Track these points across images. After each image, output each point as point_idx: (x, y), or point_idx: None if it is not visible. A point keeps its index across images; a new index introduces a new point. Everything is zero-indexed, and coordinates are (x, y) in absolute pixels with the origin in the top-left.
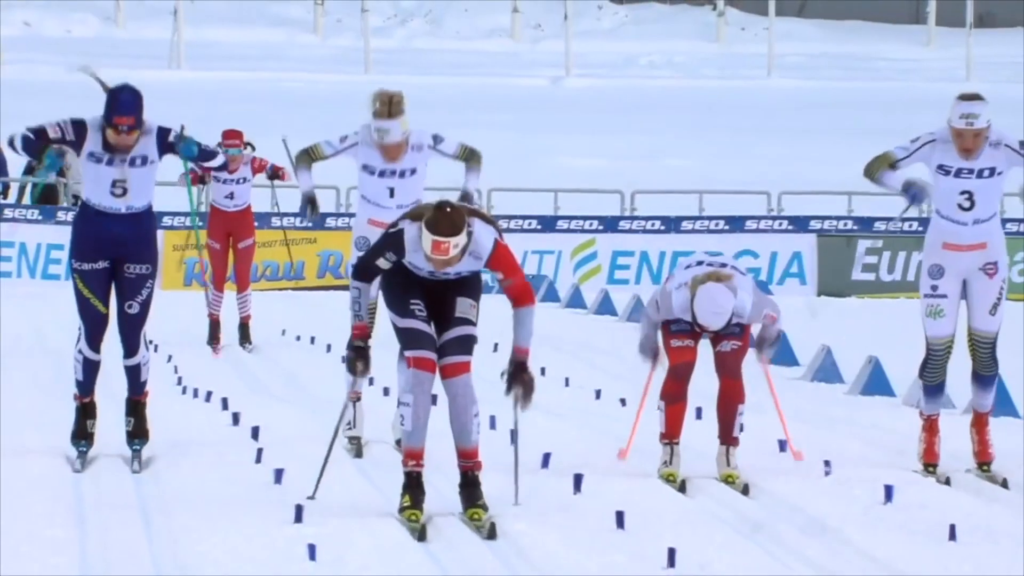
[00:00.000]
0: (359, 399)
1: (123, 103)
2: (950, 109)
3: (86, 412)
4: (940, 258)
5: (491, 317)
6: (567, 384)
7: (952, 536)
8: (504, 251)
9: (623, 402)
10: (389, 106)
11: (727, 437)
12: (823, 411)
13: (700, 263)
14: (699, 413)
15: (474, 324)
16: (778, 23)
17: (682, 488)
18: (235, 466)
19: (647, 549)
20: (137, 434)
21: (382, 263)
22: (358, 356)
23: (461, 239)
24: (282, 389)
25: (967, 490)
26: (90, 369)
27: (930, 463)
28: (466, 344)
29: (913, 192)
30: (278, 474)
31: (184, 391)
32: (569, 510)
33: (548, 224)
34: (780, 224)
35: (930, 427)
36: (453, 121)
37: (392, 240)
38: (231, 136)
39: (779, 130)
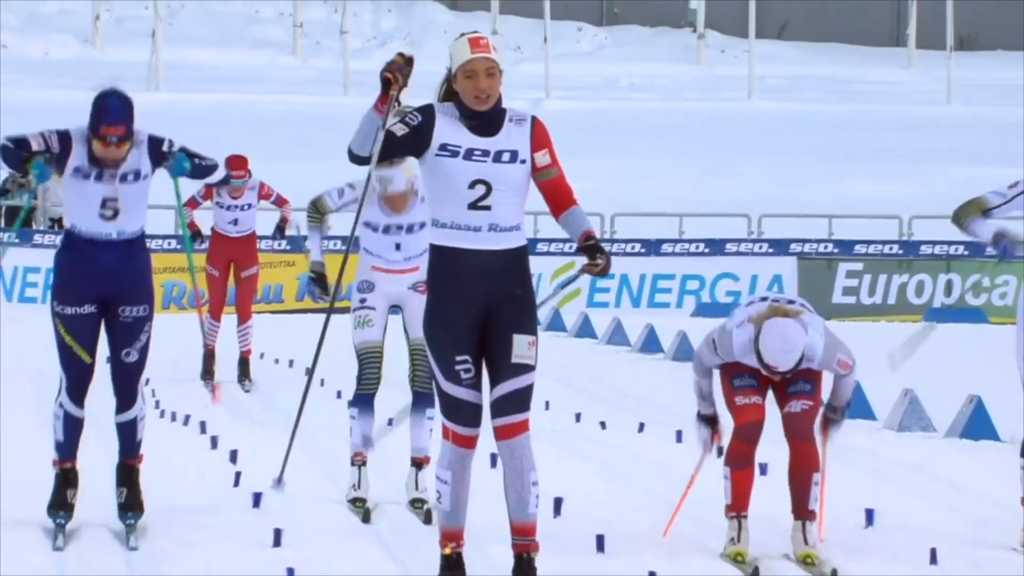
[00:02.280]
0: (364, 463)
1: (112, 110)
2: None
3: (67, 480)
4: None
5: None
6: (547, 407)
7: (933, 560)
8: (546, 131)
9: (603, 425)
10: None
11: (802, 511)
12: None
13: (764, 299)
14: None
15: (533, 368)
16: (758, 45)
17: (755, 574)
18: (213, 490)
19: (628, 572)
20: (131, 506)
21: (397, 128)
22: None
23: (494, 43)
24: (261, 413)
25: (950, 512)
26: (73, 428)
27: None
28: (523, 399)
29: (1003, 244)
30: (256, 498)
31: (162, 415)
32: (549, 534)
33: (528, 247)
34: (760, 247)
35: None
36: None
37: (420, 109)
38: (236, 165)
39: (760, 152)
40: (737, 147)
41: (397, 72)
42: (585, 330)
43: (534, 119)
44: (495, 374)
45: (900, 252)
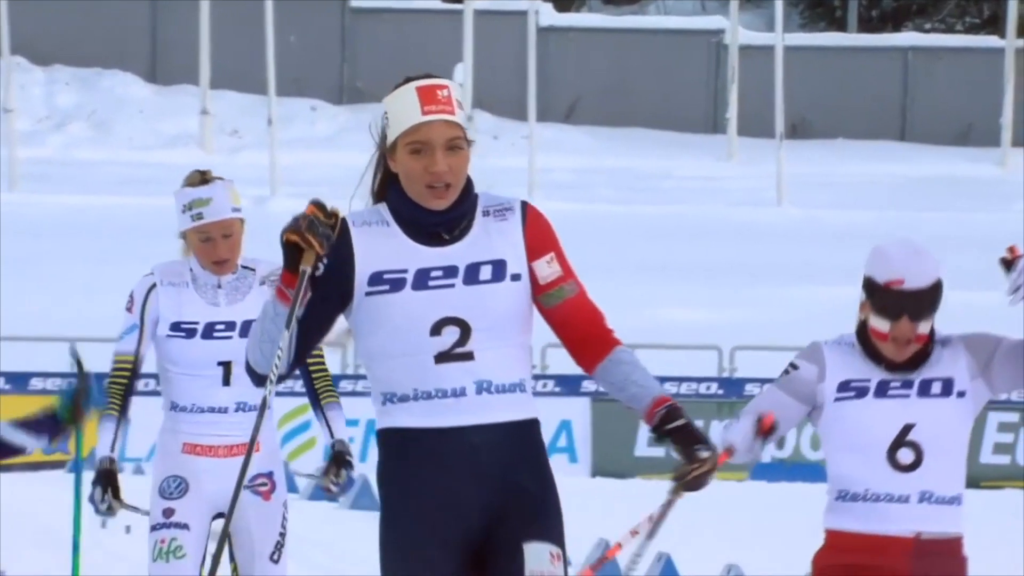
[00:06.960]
0: None
1: None
2: None
3: None
4: None
5: None
6: None
7: None
8: (547, 223)
9: None
10: (203, 173)
11: None
12: None
13: None
14: None
15: None
16: (540, 130)
17: None
18: None
19: None
20: None
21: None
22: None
23: (457, 95)
24: None
25: None
26: None
27: None
28: None
29: None
30: None
31: None
32: None
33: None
34: (545, 385)
35: None
36: (128, 252)
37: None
38: None
39: None
40: None
41: (308, 234)
42: (319, 493)
43: (526, 206)
44: None
45: (720, 392)
